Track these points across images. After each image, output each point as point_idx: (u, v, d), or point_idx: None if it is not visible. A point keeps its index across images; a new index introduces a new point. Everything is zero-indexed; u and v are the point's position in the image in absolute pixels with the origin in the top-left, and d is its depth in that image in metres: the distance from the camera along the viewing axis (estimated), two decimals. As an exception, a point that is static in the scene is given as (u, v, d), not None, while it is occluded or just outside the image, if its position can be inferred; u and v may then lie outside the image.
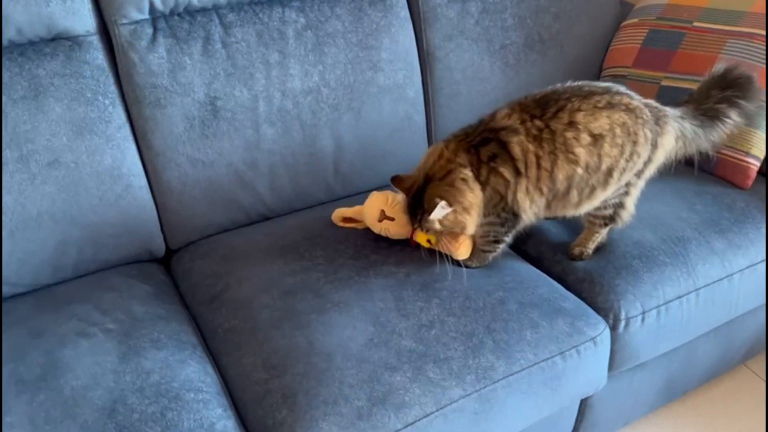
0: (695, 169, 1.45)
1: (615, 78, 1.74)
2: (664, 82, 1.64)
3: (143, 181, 1.33)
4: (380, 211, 1.29)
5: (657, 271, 1.29)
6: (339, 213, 1.39)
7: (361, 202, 1.49)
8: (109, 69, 1.27)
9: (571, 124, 1.13)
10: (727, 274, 1.34)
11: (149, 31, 1.28)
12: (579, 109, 1.14)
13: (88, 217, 1.27)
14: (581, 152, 1.13)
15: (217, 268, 1.32)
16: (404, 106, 1.55)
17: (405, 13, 1.52)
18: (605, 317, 1.23)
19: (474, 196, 1.14)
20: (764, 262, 1.39)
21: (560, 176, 1.14)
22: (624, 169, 1.19)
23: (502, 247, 1.25)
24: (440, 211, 1.12)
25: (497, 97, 1.65)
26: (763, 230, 1.40)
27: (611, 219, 1.28)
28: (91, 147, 1.25)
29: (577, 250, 1.32)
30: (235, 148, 1.38)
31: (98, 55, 1.26)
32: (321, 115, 1.45)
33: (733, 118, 1.30)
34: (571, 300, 1.23)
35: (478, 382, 1.08)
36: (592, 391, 1.24)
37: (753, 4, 1.56)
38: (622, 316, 1.24)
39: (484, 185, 1.14)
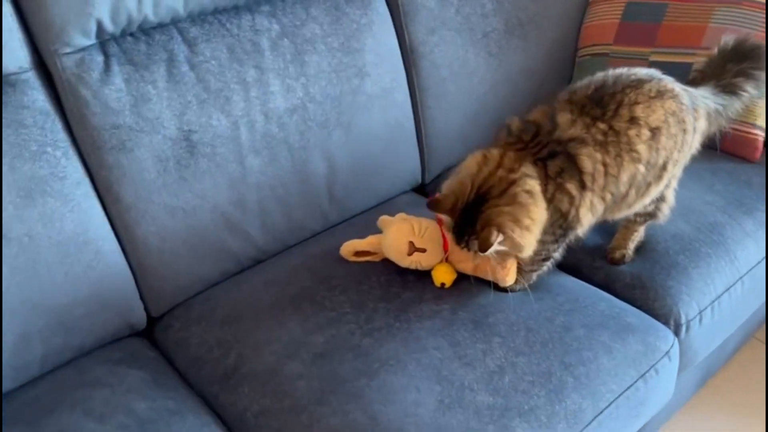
0: (718, 149, 1.38)
1: (595, 57, 1.64)
2: (653, 58, 1.55)
3: (114, 243, 1.08)
4: (408, 243, 1.11)
5: (703, 264, 1.21)
6: (350, 246, 1.20)
7: (358, 227, 1.32)
8: (54, 112, 1.01)
9: (633, 120, 1.01)
10: (762, 256, 1.29)
11: (100, 58, 1.03)
12: (636, 102, 1.02)
13: (53, 299, 1.02)
14: (643, 149, 1.02)
15: (220, 334, 1.11)
16: (394, 113, 1.37)
17: (384, 8, 1.34)
18: (666, 324, 1.13)
19: (539, 212, 0.98)
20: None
21: (624, 178, 1.03)
22: (677, 161, 1.09)
23: (549, 264, 1.12)
24: (492, 245, 0.97)
25: (484, 91, 1.52)
26: (785, 204, 1.36)
27: (652, 215, 1.18)
28: (46, 213, 0.99)
29: (618, 254, 1.21)
30: (219, 187, 1.16)
31: (39, 96, 0.99)
32: (309, 136, 1.25)
33: (750, 90, 1.23)
34: (632, 313, 1.12)
35: (570, 429, 0.95)
36: (662, 406, 1.15)
37: (735, -32, 1.50)
38: (683, 320, 1.15)
39: (548, 203, 1.00)
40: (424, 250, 1.11)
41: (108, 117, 1.03)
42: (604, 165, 1.00)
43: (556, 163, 0.99)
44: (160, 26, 1.10)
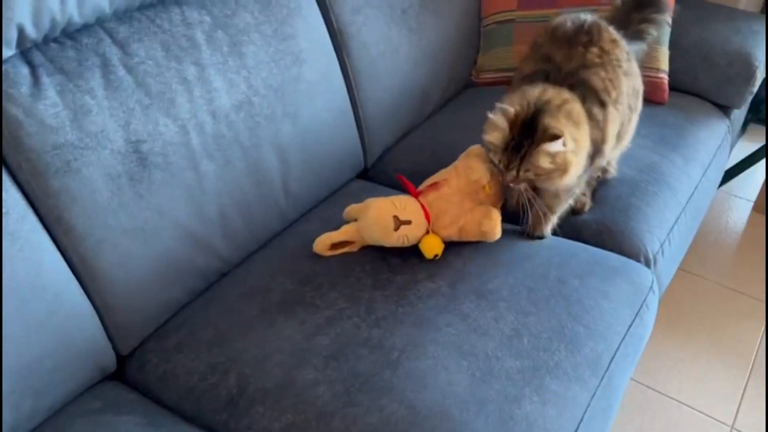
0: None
1: (501, 24, 1.69)
2: (558, 18, 1.62)
3: (72, 280, 0.95)
4: (393, 218, 1.08)
5: (652, 202, 1.29)
6: (325, 240, 1.15)
7: (315, 221, 1.28)
8: (-18, 138, 0.86)
9: (614, 42, 1.11)
10: (694, 186, 1.40)
11: (25, 70, 0.89)
12: (608, 29, 1.12)
13: (16, 356, 0.87)
14: (626, 64, 1.12)
15: (210, 358, 1.01)
16: (335, 98, 1.32)
17: (307, -11, 1.28)
18: (638, 262, 1.20)
19: (587, 137, 1.03)
20: (709, 168, 1.47)
21: (623, 89, 1.11)
22: (642, 92, 1.19)
23: (571, 202, 1.19)
24: (558, 146, 0.97)
25: (409, 68, 1.51)
26: (700, 137, 1.49)
27: (606, 171, 1.26)
28: (-7, 257, 0.84)
29: (579, 204, 1.26)
30: (177, 199, 1.05)
31: (-40, 122, 0.84)
32: (259, 132, 1.16)
33: (652, 33, 1.32)
34: (610, 257, 1.17)
35: (595, 375, 0.97)
36: (647, 340, 1.21)
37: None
38: (650, 255, 1.21)
39: None
40: (409, 222, 1.08)
41: (47, 136, 0.89)
42: (609, 80, 1.07)
43: (579, 92, 1.04)
44: (86, 28, 0.97)
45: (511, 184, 1.04)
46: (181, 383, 1.00)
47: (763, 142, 2.01)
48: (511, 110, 0.99)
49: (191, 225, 1.08)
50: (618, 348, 1.02)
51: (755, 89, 1.60)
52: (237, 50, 1.13)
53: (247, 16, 1.15)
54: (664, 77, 1.56)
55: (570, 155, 0.99)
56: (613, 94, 1.08)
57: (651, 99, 1.57)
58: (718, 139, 1.54)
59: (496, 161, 1.03)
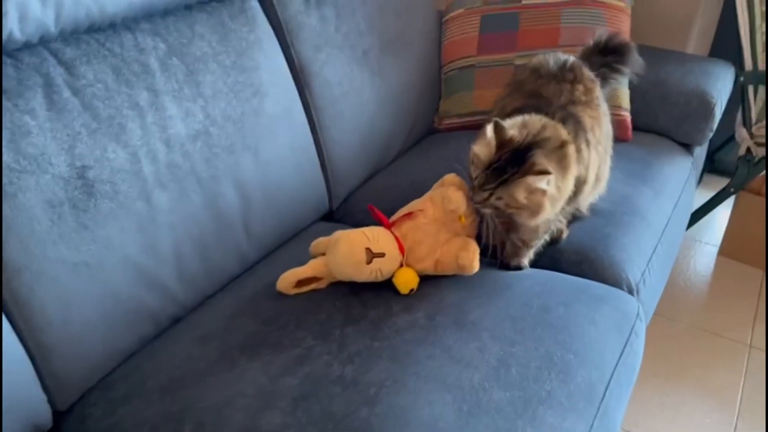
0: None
1: (462, 69, 1.69)
2: (518, 62, 1.63)
3: (3, 322, 0.83)
4: (366, 251, 1.00)
5: (629, 232, 1.25)
6: (290, 277, 1.06)
7: (277, 264, 1.20)
8: None
9: (593, 82, 1.13)
10: (667, 218, 1.37)
11: (-43, 85, 0.81)
12: (587, 69, 1.14)
13: (-70, 407, 0.74)
14: (602, 105, 1.13)
15: (163, 407, 0.89)
16: (297, 136, 1.27)
17: (267, 25, 1.25)
18: (622, 290, 1.14)
19: (570, 183, 0.99)
20: (679, 201, 1.46)
21: (605, 129, 1.11)
22: (612, 136, 1.18)
23: (547, 237, 1.15)
24: (542, 183, 0.93)
25: (373, 110, 1.47)
26: (666, 171, 1.48)
27: (578, 210, 1.23)
28: None
29: (556, 233, 1.21)
30: (127, 232, 0.96)
31: None
32: (217, 163, 1.09)
33: (614, 78, 1.32)
34: (594, 285, 1.11)
35: (590, 405, 0.89)
36: (638, 367, 1.13)
37: (570, -26, 1.64)
38: (633, 284, 1.16)
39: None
40: (383, 255, 1.01)
41: (-21, 157, 0.80)
42: (595, 118, 1.07)
43: (571, 126, 1.01)
44: (28, 47, 0.90)
45: (478, 205, 0.99)
46: (129, 438, 0.88)
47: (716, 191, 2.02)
48: (509, 132, 0.95)
49: (142, 261, 0.98)
50: (611, 376, 0.95)
51: (714, 126, 1.62)
52: (193, 79, 1.07)
53: (204, 45, 1.11)
54: (627, 115, 1.57)
55: (546, 200, 0.95)
56: (597, 133, 1.07)
57: (615, 137, 1.56)
58: (684, 174, 1.54)
59: (474, 176, 0.98)
